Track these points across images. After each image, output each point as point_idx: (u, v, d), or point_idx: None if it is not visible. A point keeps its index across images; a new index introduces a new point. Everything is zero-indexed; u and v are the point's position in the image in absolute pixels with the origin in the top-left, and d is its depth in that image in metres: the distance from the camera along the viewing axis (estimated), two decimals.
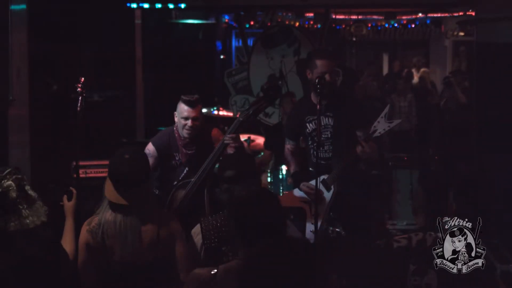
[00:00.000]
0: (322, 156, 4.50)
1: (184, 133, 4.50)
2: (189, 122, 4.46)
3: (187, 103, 4.44)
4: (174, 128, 4.61)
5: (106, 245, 3.21)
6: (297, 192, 4.65)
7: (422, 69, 11.49)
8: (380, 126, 4.21)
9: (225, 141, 4.30)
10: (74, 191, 3.58)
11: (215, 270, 2.77)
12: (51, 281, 3.04)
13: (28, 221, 3.00)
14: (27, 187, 3.08)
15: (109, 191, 3.26)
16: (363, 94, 8.91)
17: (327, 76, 4.39)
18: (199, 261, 3.29)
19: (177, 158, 4.59)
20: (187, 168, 4.55)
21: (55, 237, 3.19)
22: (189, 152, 4.56)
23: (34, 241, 3.00)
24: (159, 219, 3.28)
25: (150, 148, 4.59)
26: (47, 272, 3.02)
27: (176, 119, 4.56)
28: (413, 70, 11.07)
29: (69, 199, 3.56)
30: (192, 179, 4.41)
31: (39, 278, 2.98)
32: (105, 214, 3.26)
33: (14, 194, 3.00)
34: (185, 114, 4.45)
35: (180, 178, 4.53)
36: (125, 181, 3.22)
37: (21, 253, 2.96)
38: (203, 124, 4.57)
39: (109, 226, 3.21)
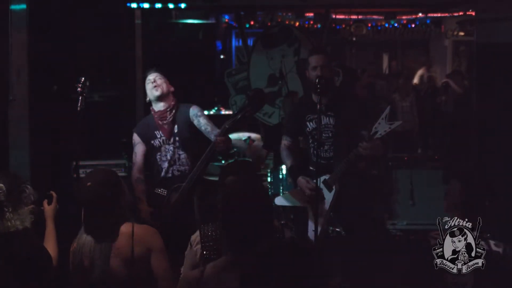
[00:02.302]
0: (322, 155, 4.50)
1: (154, 92, 4.70)
2: (151, 81, 4.73)
3: (149, 71, 4.82)
4: (151, 111, 4.81)
5: (84, 265, 3.25)
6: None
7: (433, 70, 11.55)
8: (381, 127, 4.18)
9: (215, 145, 4.42)
10: (54, 195, 3.58)
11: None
12: (34, 282, 3.06)
13: (9, 223, 3.08)
14: (25, 193, 3.16)
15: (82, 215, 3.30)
16: (367, 94, 8.89)
17: (318, 71, 4.39)
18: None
19: (158, 136, 4.70)
20: (172, 146, 4.65)
21: (39, 240, 3.22)
22: (166, 122, 4.68)
23: (17, 242, 3.04)
24: (135, 235, 3.26)
25: (134, 137, 4.81)
26: (29, 273, 3.05)
27: (148, 92, 4.77)
28: (423, 70, 11.11)
29: (49, 203, 3.55)
30: (183, 184, 4.52)
31: (22, 278, 3.01)
32: (82, 236, 3.30)
33: (2, 197, 3.08)
34: (150, 78, 4.77)
35: (169, 158, 4.65)
36: (90, 208, 3.25)
37: (2, 253, 2.99)
38: (168, 86, 4.77)
39: (84, 248, 3.26)
